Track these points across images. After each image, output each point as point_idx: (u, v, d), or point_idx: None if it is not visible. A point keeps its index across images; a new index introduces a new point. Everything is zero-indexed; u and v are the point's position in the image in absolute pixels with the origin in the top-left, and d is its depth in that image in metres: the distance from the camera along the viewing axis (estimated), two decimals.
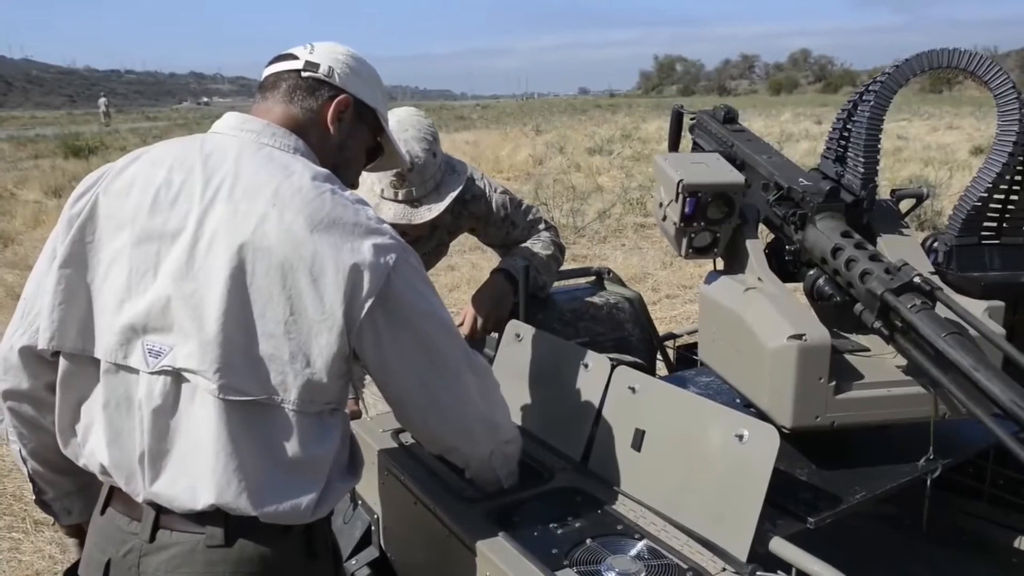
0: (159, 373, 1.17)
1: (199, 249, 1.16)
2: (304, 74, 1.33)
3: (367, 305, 1.17)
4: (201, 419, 1.16)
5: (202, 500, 1.16)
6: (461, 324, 2.16)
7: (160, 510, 1.20)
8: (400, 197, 1.96)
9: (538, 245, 2.29)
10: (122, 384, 1.21)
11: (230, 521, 1.18)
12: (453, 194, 2.05)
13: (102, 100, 47.01)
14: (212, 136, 1.29)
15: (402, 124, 1.95)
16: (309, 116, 1.32)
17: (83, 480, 1.43)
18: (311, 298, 1.14)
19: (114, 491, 1.28)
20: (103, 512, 1.29)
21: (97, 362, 1.22)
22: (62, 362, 1.25)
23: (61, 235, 1.25)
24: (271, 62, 1.38)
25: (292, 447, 1.18)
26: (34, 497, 1.49)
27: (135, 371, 1.19)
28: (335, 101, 1.33)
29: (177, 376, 1.17)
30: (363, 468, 1.38)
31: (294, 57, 1.35)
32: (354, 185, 1.42)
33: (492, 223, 2.28)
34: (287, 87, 1.33)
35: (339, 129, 1.34)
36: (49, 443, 1.34)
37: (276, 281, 1.14)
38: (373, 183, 1.95)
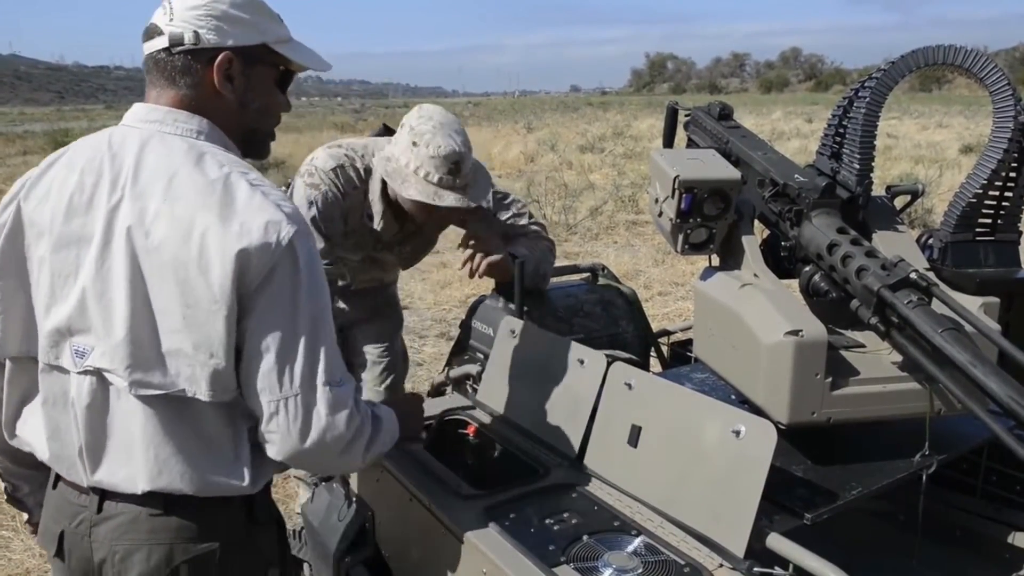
0: (85, 373, 1.21)
1: (108, 251, 1.18)
2: (174, 51, 1.23)
3: (256, 283, 1.15)
4: (128, 413, 1.21)
5: (140, 486, 1.21)
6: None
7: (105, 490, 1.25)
8: (457, 184, 2.02)
9: (531, 237, 2.29)
10: (57, 382, 1.25)
11: (170, 496, 1.22)
12: (491, 184, 2.12)
13: None
14: (120, 129, 1.27)
15: (444, 124, 2.02)
16: (198, 91, 1.25)
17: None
18: (203, 289, 1.14)
19: None
20: (55, 486, 1.32)
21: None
22: (7, 362, 1.32)
23: None
24: (143, 39, 1.28)
25: (216, 433, 1.22)
26: (6, 496, 1.51)
27: (66, 371, 1.23)
28: (215, 64, 1.24)
29: (99, 374, 1.21)
30: None
31: (159, 32, 1.24)
32: (276, 118, 1.37)
33: (475, 214, 2.25)
34: (164, 70, 1.25)
35: (233, 89, 1.26)
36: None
37: (169, 278, 1.15)
38: (429, 172, 1.99)
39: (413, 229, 2.28)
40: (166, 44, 1.23)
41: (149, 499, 1.22)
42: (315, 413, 1.19)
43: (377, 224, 2.15)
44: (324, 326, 1.21)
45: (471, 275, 2.15)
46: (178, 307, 1.16)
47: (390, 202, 2.16)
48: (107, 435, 1.22)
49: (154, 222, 1.16)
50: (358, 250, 2.28)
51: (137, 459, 1.20)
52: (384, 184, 2.13)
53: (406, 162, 2.00)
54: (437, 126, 1.99)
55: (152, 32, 1.25)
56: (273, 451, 1.21)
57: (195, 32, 1.22)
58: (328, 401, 1.19)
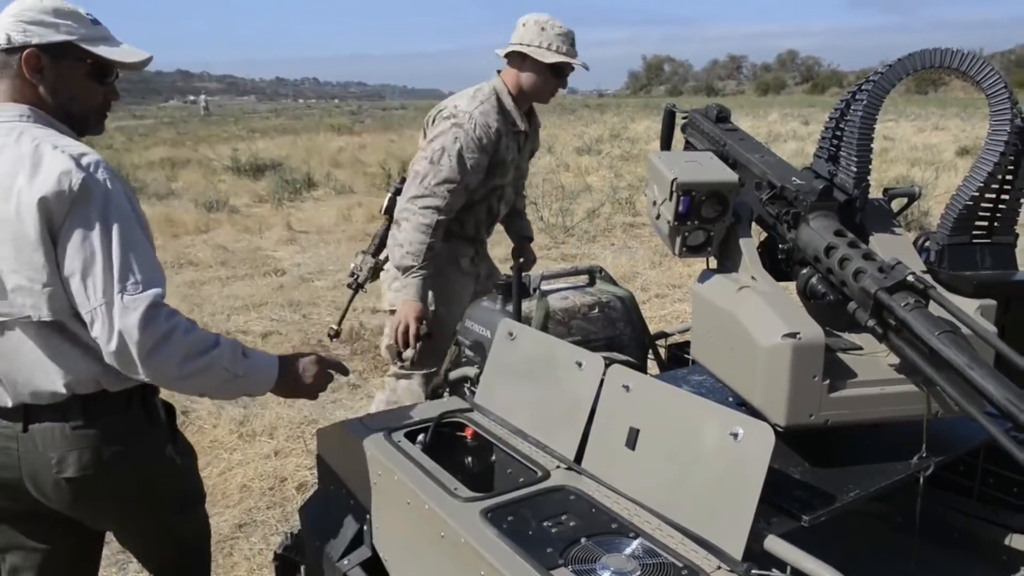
0: None
1: None
2: None
3: (60, 221, 1.45)
4: (15, 340, 1.54)
5: (59, 387, 1.54)
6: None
7: (27, 408, 1.57)
8: (575, 51, 2.81)
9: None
10: None
11: (87, 402, 1.57)
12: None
13: (203, 97, 57.54)
14: None
15: (551, 22, 2.78)
16: (18, 83, 1.56)
17: None
18: (24, 236, 1.45)
19: None
20: None
21: None
22: None
23: None
24: None
25: (83, 338, 1.52)
26: None
27: None
28: (22, 60, 1.53)
29: None
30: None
31: None
32: (95, 103, 1.64)
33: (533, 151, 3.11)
34: None
35: (43, 79, 1.56)
36: None
37: (6, 233, 1.47)
38: (560, 45, 2.75)
39: (534, 127, 2.98)
40: None
41: (70, 411, 1.56)
42: (115, 317, 1.44)
43: (522, 125, 2.83)
44: (121, 247, 1.46)
45: None
46: (12, 252, 1.48)
47: (519, 106, 2.82)
48: (11, 359, 1.55)
49: None
50: (512, 167, 2.90)
51: (42, 375, 1.54)
52: (511, 96, 2.79)
53: (539, 43, 2.75)
54: (547, 15, 2.77)
55: None
56: (104, 356, 1.47)
57: (7, 35, 1.53)
58: (121, 306, 1.44)
